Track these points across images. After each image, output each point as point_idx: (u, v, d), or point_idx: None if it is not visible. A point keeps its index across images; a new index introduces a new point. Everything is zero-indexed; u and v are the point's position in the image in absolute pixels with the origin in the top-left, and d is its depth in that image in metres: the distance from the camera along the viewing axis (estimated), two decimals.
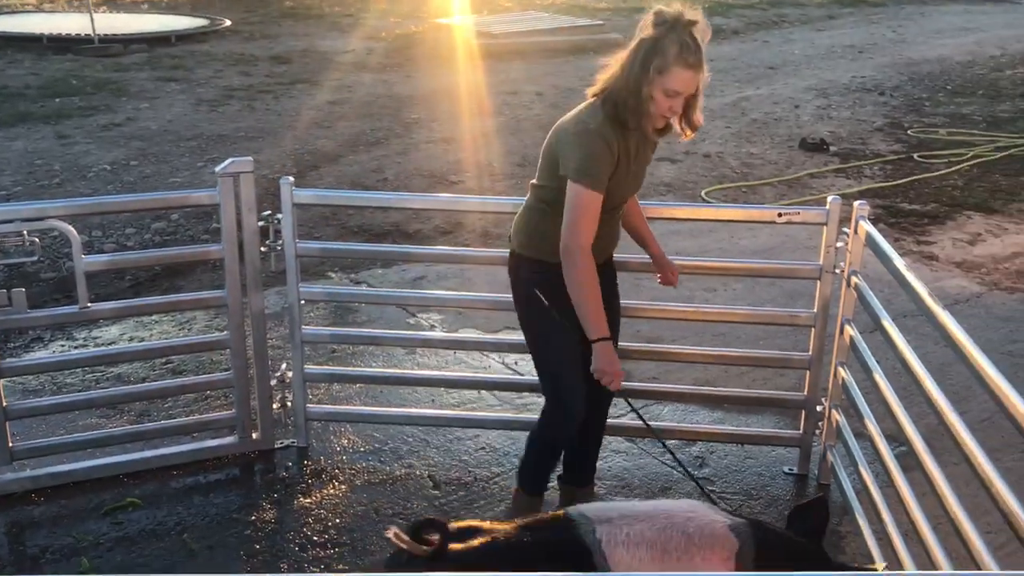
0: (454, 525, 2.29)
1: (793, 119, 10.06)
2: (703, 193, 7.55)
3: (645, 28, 2.76)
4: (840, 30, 16.42)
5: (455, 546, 2.19)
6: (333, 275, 5.68)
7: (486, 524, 2.34)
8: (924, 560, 2.69)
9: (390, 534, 2.21)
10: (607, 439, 3.89)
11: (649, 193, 7.53)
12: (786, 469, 3.75)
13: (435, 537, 2.16)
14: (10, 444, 3.47)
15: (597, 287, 2.83)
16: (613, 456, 3.81)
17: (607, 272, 3.13)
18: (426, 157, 8.33)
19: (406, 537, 2.17)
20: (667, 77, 2.70)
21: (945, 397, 2.58)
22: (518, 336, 4.78)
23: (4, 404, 3.42)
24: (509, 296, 4.86)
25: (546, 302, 2.95)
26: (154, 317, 4.96)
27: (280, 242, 3.60)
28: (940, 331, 2.57)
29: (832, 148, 8.83)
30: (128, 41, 13.26)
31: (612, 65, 2.83)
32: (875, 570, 2.88)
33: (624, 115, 2.78)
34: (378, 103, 10.41)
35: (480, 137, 9.10)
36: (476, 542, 2.22)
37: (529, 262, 3.02)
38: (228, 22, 15.11)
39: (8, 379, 3.70)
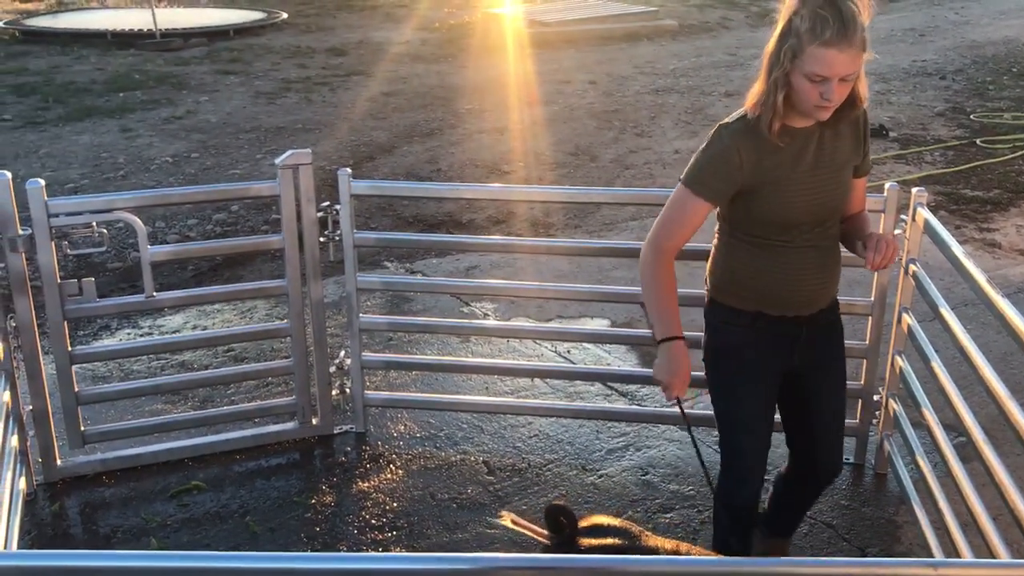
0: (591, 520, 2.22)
1: None
2: None
3: (791, 4, 2.27)
4: (901, 13, 16.06)
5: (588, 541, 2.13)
6: (389, 264, 5.75)
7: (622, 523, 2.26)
8: (983, 551, 2.66)
9: (505, 520, 2.18)
10: (660, 427, 3.91)
11: None
12: None
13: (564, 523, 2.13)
14: (82, 428, 3.60)
15: (667, 286, 2.49)
16: (667, 444, 3.82)
17: (821, 324, 2.59)
18: (479, 147, 8.38)
19: (524, 522, 2.16)
20: (803, 60, 2.22)
21: (1006, 387, 2.54)
22: (570, 325, 4.84)
23: (76, 390, 3.55)
24: (560, 284, 4.88)
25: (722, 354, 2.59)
26: (216, 306, 5.09)
27: (338, 232, 3.67)
28: (1000, 320, 2.53)
29: (892, 134, 8.67)
30: (188, 35, 13.53)
31: None
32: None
33: (759, 113, 2.34)
34: (432, 94, 10.48)
35: (532, 126, 9.12)
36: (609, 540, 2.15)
37: (712, 306, 2.63)
38: (285, 15, 15.32)
39: (79, 365, 3.84)
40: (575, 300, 4.80)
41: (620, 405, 4.12)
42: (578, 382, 4.26)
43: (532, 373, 4.23)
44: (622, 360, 4.54)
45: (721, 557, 1.33)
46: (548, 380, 4.27)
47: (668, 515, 3.38)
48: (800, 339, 2.55)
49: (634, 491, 3.52)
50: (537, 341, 4.65)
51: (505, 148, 8.36)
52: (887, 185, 3.37)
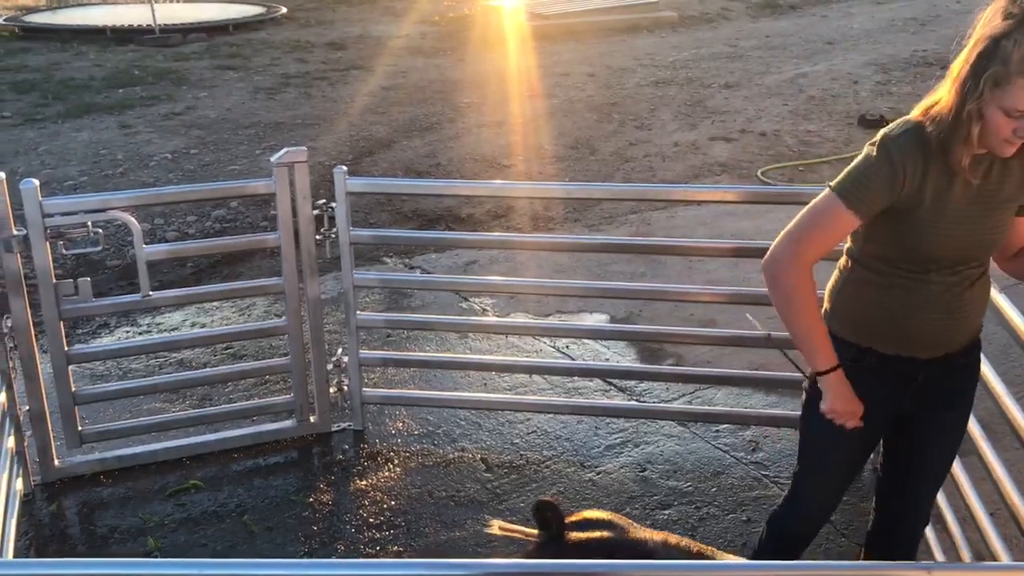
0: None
1: (852, 95, 9.86)
2: (759, 172, 7.46)
3: (992, 19, 1.97)
4: (902, 2, 15.98)
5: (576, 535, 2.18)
6: (388, 260, 5.74)
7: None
8: (981, 547, 2.66)
9: (494, 528, 2.20)
10: (659, 423, 3.90)
11: (703, 174, 7.47)
12: None
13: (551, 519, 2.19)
14: (79, 428, 3.59)
15: (812, 305, 2.20)
16: (665, 440, 3.81)
17: (947, 367, 2.27)
18: (478, 141, 8.36)
19: (511, 526, 2.19)
20: (1008, 92, 1.93)
21: (1001, 381, 2.53)
22: (569, 321, 4.84)
23: (73, 389, 3.54)
24: (559, 280, 4.87)
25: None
26: (215, 303, 5.08)
27: (335, 230, 3.66)
28: (998, 314, 2.52)
29: None
30: (187, 31, 13.49)
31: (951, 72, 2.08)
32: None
33: (934, 136, 2.06)
34: (431, 88, 10.45)
35: (532, 120, 9.09)
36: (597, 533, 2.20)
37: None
38: (284, 9, 15.27)
39: (76, 365, 3.83)
40: (574, 296, 4.79)
41: (618, 401, 4.11)
42: (576, 378, 4.25)
43: (530, 369, 4.22)
44: (621, 355, 4.53)
45: (712, 561, 1.31)
46: (546, 376, 4.26)
47: (666, 511, 3.37)
48: (917, 380, 2.28)
49: (632, 487, 3.51)
50: (536, 337, 4.64)
51: (505, 142, 8.34)
52: None
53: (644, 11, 14.55)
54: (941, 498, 2.97)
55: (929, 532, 3.04)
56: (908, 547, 2.50)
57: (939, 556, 2.93)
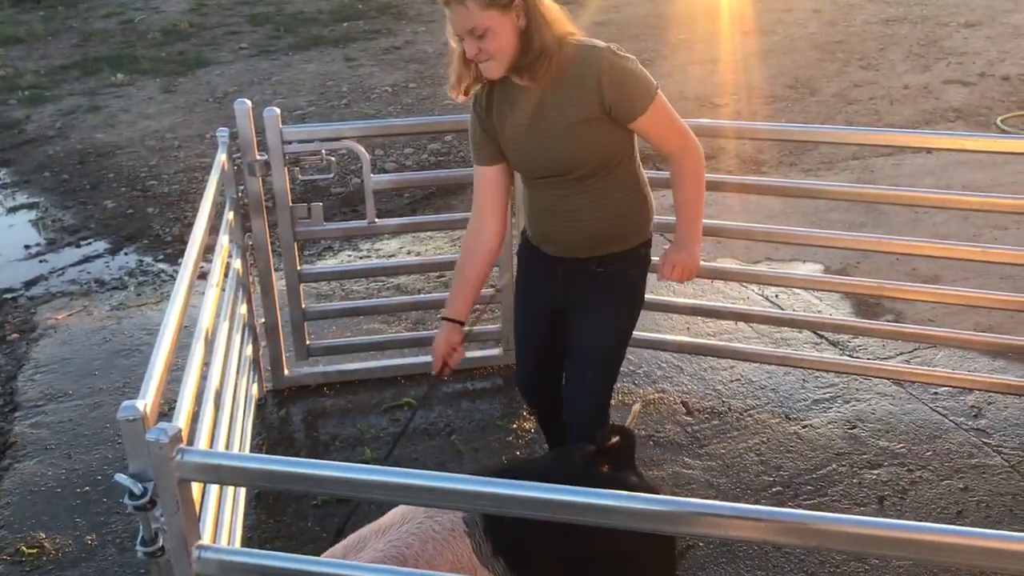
0: None
1: None
2: (999, 120, 6.86)
3: None
4: None
5: None
6: None
7: None
8: None
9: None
10: (872, 380, 3.74)
11: (935, 119, 6.96)
12: None
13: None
14: (307, 342, 3.88)
15: (460, 266, 2.66)
16: (878, 399, 3.66)
17: (579, 270, 2.58)
18: (692, 79, 8.15)
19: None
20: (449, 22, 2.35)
21: None
22: (779, 269, 4.68)
23: (303, 306, 3.82)
24: (769, 226, 4.73)
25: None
26: (429, 233, 5.29)
27: None
28: None
29: None
30: None
31: None
32: None
33: None
34: (644, 23, 10.26)
35: (749, 57, 8.75)
36: None
37: None
38: None
39: (305, 284, 4.10)
40: (786, 243, 4.62)
41: (829, 355, 3.97)
42: (784, 329, 4.14)
43: (738, 316, 4.13)
44: (834, 308, 4.36)
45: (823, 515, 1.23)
46: (753, 324, 4.17)
47: (875, 472, 3.25)
48: (557, 278, 2.61)
49: (840, 444, 3.40)
50: (743, 284, 4.53)
51: (718, 80, 8.09)
52: None
53: None
54: None
55: None
56: (575, 418, 2.69)
57: None
